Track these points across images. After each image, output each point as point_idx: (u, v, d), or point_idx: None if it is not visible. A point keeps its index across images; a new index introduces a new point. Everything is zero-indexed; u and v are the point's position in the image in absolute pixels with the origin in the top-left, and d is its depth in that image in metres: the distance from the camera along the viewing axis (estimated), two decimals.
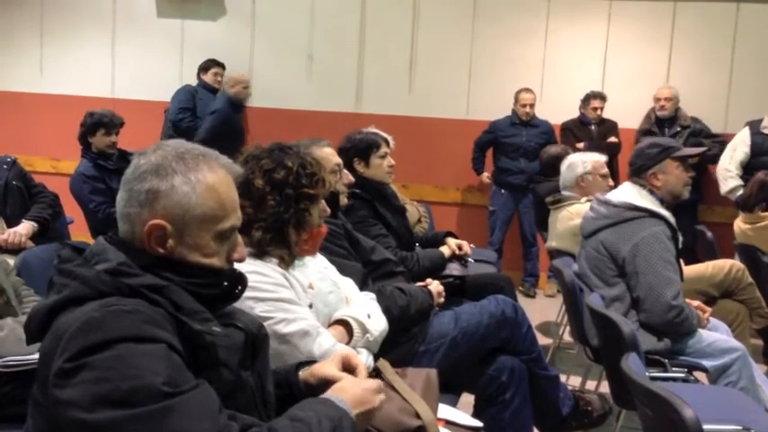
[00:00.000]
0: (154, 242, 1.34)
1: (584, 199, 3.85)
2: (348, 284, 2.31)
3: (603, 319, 2.59)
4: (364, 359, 2.08)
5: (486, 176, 6.17)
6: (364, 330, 2.12)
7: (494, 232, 6.16)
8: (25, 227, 3.44)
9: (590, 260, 3.04)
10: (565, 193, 4.01)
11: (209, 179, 1.37)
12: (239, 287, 1.45)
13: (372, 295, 2.35)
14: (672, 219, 2.94)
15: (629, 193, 3.01)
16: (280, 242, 2.00)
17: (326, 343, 1.95)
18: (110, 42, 6.78)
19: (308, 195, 2.04)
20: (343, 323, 2.11)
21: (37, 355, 2.14)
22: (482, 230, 6.26)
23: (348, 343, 2.07)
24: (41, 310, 1.28)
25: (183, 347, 1.25)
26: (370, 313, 2.19)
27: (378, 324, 2.19)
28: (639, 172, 3.02)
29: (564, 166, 4.07)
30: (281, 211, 1.99)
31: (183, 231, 1.35)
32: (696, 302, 3.10)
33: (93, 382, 1.13)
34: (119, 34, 6.77)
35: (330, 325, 2.10)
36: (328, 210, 2.20)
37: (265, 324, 1.84)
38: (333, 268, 2.29)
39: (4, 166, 3.62)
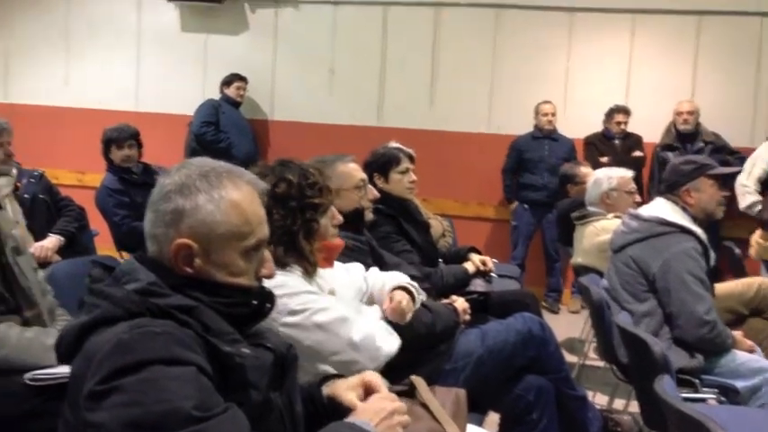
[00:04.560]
0: (181, 261, 1.33)
1: (610, 215, 3.81)
2: (375, 271, 2.40)
3: (633, 338, 2.55)
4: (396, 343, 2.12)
5: (516, 205, 6.12)
6: (418, 292, 2.26)
7: (516, 247, 6.12)
8: (52, 241, 3.46)
9: (620, 275, 3.00)
10: (590, 208, 3.97)
11: (233, 196, 1.36)
12: (268, 305, 1.44)
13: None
14: (704, 235, 2.90)
15: (661, 208, 2.98)
16: (294, 253, 2.02)
17: (365, 327, 2.01)
18: (134, 56, 6.85)
19: (313, 205, 2.08)
20: (402, 289, 2.24)
21: (64, 369, 2.16)
22: (503, 245, 6.22)
23: (413, 303, 2.24)
24: (72, 331, 1.28)
25: (212, 369, 1.24)
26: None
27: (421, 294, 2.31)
28: (673, 188, 2.99)
29: (590, 181, 4.04)
30: (288, 223, 2.03)
31: (209, 250, 1.34)
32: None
33: (124, 406, 1.12)
34: (143, 48, 6.84)
35: (391, 291, 2.23)
36: (339, 217, 2.22)
37: (303, 315, 1.87)
38: (353, 275, 2.30)
39: (32, 180, 3.65)
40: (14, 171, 3.55)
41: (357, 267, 2.38)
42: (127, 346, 1.17)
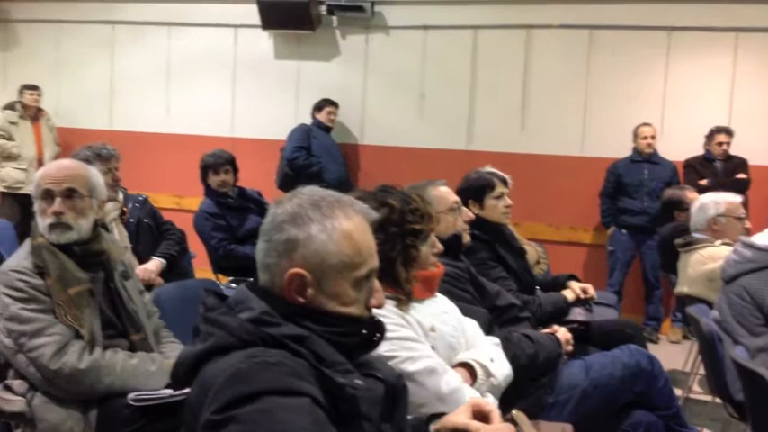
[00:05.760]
0: (294, 291, 1.34)
1: (718, 242, 3.62)
2: (472, 326, 2.25)
3: (752, 375, 2.39)
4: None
5: (613, 230, 5.95)
6: (488, 374, 2.06)
7: (613, 274, 5.91)
8: (155, 264, 3.56)
9: (732, 307, 2.84)
10: (696, 235, 3.78)
11: (345, 226, 1.36)
12: (378, 335, 1.42)
13: (496, 340, 2.28)
14: None
15: None
16: (390, 280, 1.97)
17: (454, 380, 1.93)
18: (230, 84, 7.06)
19: (414, 231, 2.04)
20: (465, 366, 2.06)
21: (166, 391, 2.21)
22: (597, 270, 6.03)
23: (471, 386, 2.02)
24: (188, 358, 1.30)
25: (325, 400, 1.22)
26: (493, 357, 2.12)
27: (501, 369, 2.12)
28: None
29: (695, 206, 3.85)
30: (387, 249, 1.97)
31: (321, 280, 1.34)
32: None
33: None
34: (239, 76, 7.04)
35: (453, 367, 2.04)
36: (440, 246, 2.17)
37: (390, 363, 1.81)
38: (455, 311, 2.23)
39: (137, 205, 3.78)
40: (121, 196, 3.68)
41: (473, 324, 2.26)
42: (244, 376, 1.18)
